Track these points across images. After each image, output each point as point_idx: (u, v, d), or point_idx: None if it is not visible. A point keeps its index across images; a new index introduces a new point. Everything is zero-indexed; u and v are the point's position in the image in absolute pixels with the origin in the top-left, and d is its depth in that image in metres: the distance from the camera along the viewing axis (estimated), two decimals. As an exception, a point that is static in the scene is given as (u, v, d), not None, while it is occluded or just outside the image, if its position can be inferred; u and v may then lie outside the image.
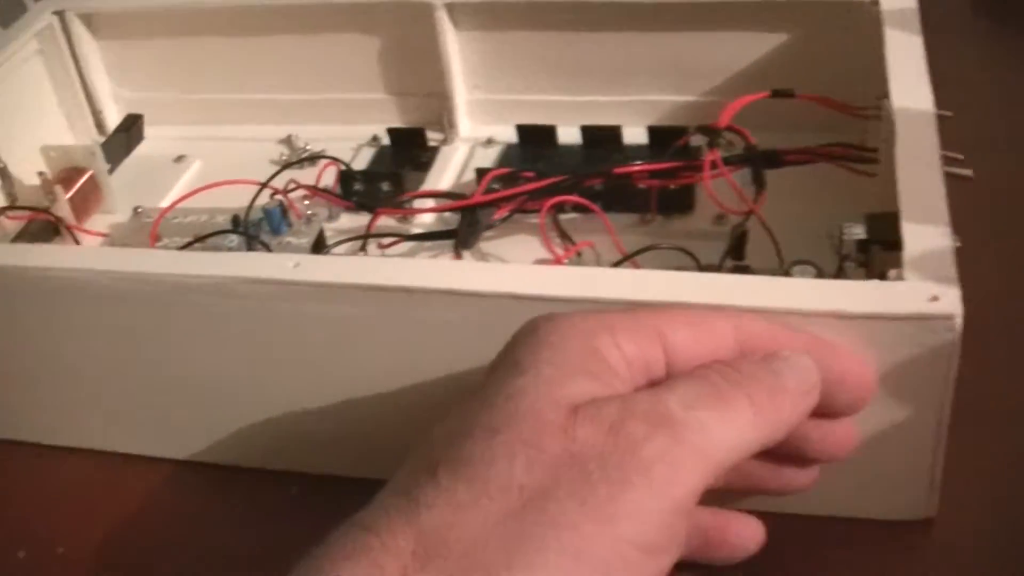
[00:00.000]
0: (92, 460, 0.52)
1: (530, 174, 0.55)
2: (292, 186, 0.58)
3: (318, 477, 0.48)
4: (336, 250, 0.56)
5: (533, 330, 0.36)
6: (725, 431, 0.34)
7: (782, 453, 0.38)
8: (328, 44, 0.66)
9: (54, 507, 0.50)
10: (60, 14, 0.67)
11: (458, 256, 0.53)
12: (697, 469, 0.33)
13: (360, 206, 0.57)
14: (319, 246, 0.56)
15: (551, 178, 0.53)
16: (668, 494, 0.32)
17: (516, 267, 0.44)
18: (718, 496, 0.38)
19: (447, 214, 0.58)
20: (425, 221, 0.59)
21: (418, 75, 0.65)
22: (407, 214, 0.56)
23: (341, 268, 0.44)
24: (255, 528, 0.47)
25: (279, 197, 0.58)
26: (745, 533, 0.40)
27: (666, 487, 0.32)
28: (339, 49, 0.66)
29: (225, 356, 0.47)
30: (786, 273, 0.48)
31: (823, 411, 0.38)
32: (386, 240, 0.55)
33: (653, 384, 0.36)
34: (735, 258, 0.51)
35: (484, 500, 0.32)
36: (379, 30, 0.65)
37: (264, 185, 0.57)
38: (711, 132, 0.53)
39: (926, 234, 0.42)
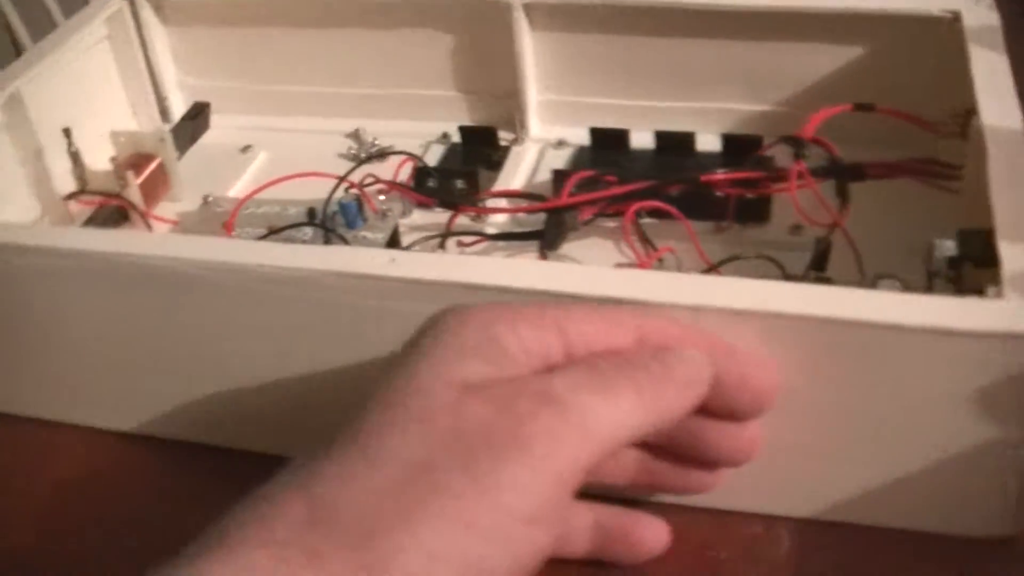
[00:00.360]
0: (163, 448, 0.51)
1: (612, 178, 0.54)
2: (370, 180, 0.58)
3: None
4: (415, 247, 0.55)
5: (438, 318, 0.38)
6: (608, 413, 0.36)
7: (688, 455, 0.40)
8: (401, 39, 0.65)
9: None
10: (130, 0, 0.67)
11: (543, 257, 0.52)
12: (579, 447, 0.35)
13: (442, 203, 0.56)
14: (394, 242, 0.56)
15: (636, 183, 0.53)
16: (548, 468, 0.34)
17: (619, 272, 0.43)
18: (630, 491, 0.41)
19: (521, 215, 0.58)
20: (498, 221, 0.58)
21: (490, 74, 0.65)
22: (489, 213, 0.56)
23: (439, 265, 0.43)
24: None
25: (354, 191, 0.57)
26: (649, 534, 0.42)
27: (546, 461, 0.34)
28: (412, 44, 0.65)
29: (306, 349, 0.46)
30: (872, 287, 0.48)
31: (726, 414, 0.39)
32: (467, 239, 0.55)
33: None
34: (817, 270, 0.51)
35: (373, 471, 0.33)
36: (454, 27, 0.64)
37: (343, 179, 0.57)
38: (796, 143, 0.53)
39: (1023, 252, 0.42)
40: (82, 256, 0.47)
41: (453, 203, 0.56)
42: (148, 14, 0.68)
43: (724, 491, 0.43)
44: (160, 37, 0.69)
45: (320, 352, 0.46)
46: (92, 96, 0.67)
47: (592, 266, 0.45)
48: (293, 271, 0.44)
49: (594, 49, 0.63)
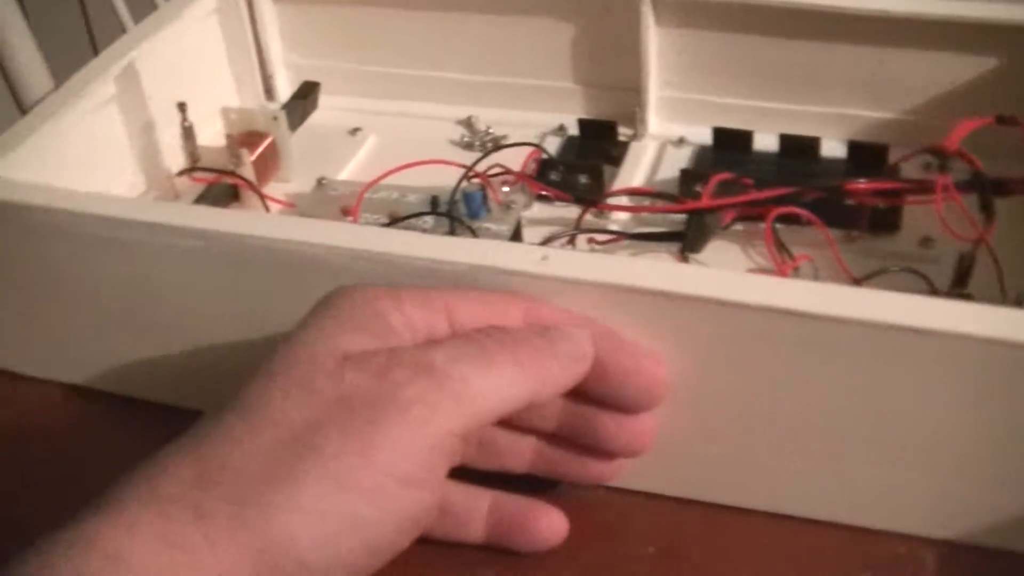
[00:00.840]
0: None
1: (748, 181, 0.53)
2: (497, 170, 0.57)
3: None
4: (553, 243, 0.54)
5: (327, 296, 0.40)
6: (485, 383, 0.37)
7: (584, 443, 0.42)
8: (520, 26, 0.64)
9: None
10: (242, -27, 0.66)
11: (684, 260, 0.51)
12: (455, 413, 0.36)
13: (578, 200, 0.55)
14: (517, 235, 0.55)
15: (773, 187, 0.51)
16: (423, 431, 0.36)
17: (789, 282, 0.42)
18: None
19: (644, 215, 0.56)
20: (620, 219, 0.57)
21: (610, 67, 0.63)
22: (632, 211, 0.54)
23: (594, 266, 0.42)
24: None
25: (478, 181, 0.56)
26: (546, 524, 0.42)
27: (421, 425, 0.36)
28: (531, 32, 0.64)
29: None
30: (1018, 304, 0.47)
31: (617, 404, 0.41)
32: (601, 237, 0.53)
33: None
34: (959, 286, 0.50)
35: (256, 433, 0.35)
36: (576, 17, 0.63)
37: (470, 168, 0.56)
38: (941, 155, 0.52)
39: None
40: (220, 238, 0.45)
41: (588, 199, 0.54)
42: (259, -11, 0.67)
43: (867, 508, 0.43)
44: (269, 13, 0.68)
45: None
46: (198, 71, 0.65)
47: (758, 275, 0.43)
48: (445, 264, 0.43)
49: (719, 47, 0.62)
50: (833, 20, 0.59)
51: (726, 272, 0.42)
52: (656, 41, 0.62)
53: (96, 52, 0.61)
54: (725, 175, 0.53)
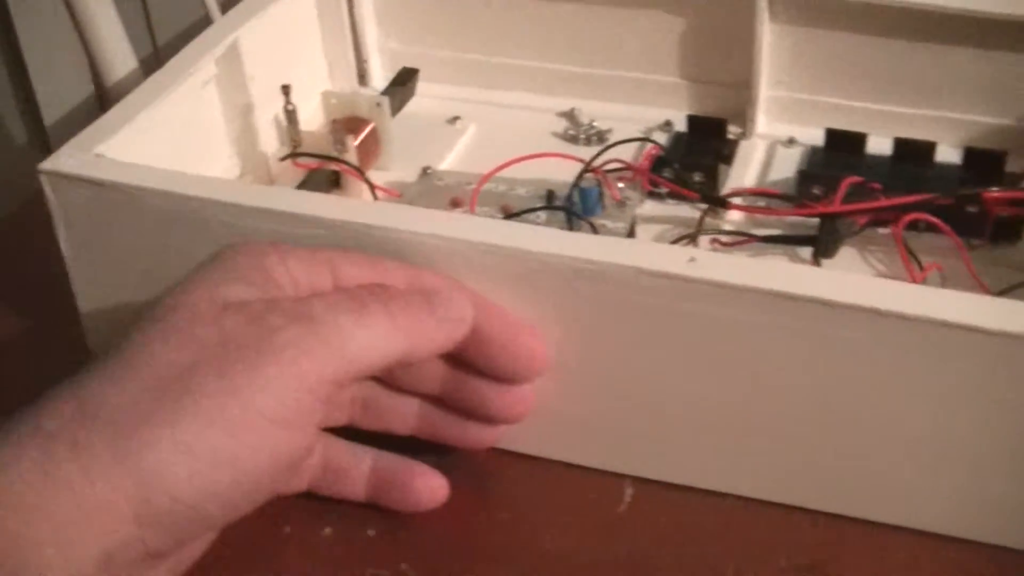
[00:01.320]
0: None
1: (877, 186, 0.52)
2: (615, 165, 0.55)
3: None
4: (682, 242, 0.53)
5: (216, 251, 0.41)
6: (359, 331, 0.39)
7: (465, 409, 0.44)
8: (628, 18, 0.63)
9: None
10: (340, -45, 0.65)
11: (817, 264, 0.50)
12: (328, 359, 0.38)
13: (706, 199, 0.54)
14: (631, 234, 0.54)
15: (908, 194, 0.50)
16: (296, 375, 0.37)
17: (973, 296, 0.40)
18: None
19: (758, 216, 0.55)
20: (734, 219, 0.56)
21: (719, 63, 0.62)
22: (759, 213, 0.53)
23: (745, 270, 0.41)
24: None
25: (593, 176, 0.55)
26: (423, 485, 0.44)
27: (294, 367, 0.37)
28: (639, 25, 0.63)
29: (587, 344, 0.44)
30: None
31: (496, 374, 0.43)
32: (725, 238, 0.52)
33: None
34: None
35: (135, 374, 0.37)
36: (687, 11, 0.62)
37: (589, 163, 0.55)
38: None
39: None
40: (348, 227, 0.44)
41: (715, 199, 0.53)
42: (357, -29, 0.66)
43: (933, 512, 0.42)
44: (367, -3, 0.67)
45: (596, 348, 0.44)
46: (294, 54, 0.64)
47: (933, 288, 0.41)
48: (588, 264, 0.41)
49: (833, 46, 0.60)
50: (956, 22, 0.57)
51: (884, 282, 0.41)
52: (769, 38, 0.60)
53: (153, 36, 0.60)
54: (855, 178, 0.51)
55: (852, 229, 0.51)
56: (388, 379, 0.44)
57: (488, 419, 0.44)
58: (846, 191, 0.51)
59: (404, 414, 0.45)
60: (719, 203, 0.53)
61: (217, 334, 0.37)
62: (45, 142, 0.89)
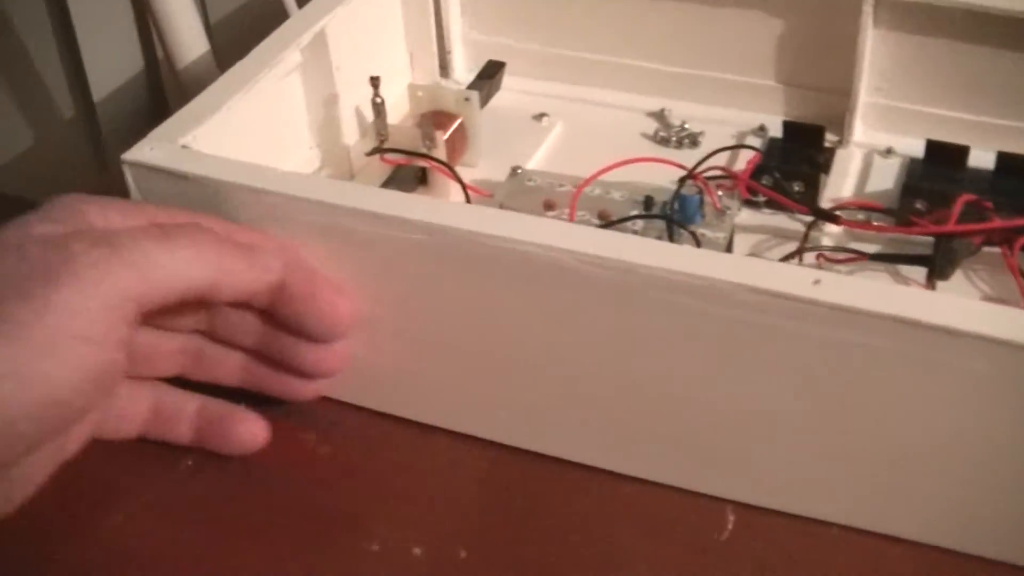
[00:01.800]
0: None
1: (989, 204, 0.50)
2: (717, 172, 0.54)
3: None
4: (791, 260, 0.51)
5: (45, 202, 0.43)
6: (164, 257, 0.40)
7: (283, 363, 0.46)
8: (724, 17, 0.61)
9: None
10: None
11: (931, 287, 0.48)
12: (130, 279, 0.39)
13: (815, 212, 0.52)
14: (730, 243, 0.52)
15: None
16: (97, 294, 0.39)
17: None
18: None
19: (855, 231, 0.53)
20: (833, 232, 0.54)
21: (818, 67, 0.60)
22: (871, 230, 0.51)
23: (876, 294, 0.39)
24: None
25: (694, 183, 0.53)
26: (245, 429, 0.46)
27: (96, 287, 0.39)
28: (735, 24, 0.61)
29: (695, 366, 0.42)
30: None
31: (304, 331, 0.45)
32: (837, 255, 0.50)
33: None
34: None
35: None
36: (787, 13, 0.60)
37: (691, 171, 0.53)
38: None
39: None
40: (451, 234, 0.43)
41: (824, 212, 0.51)
42: (443, -41, 0.64)
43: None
44: (452, -14, 0.65)
45: (706, 368, 0.42)
46: (376, 44, 0.62)
47: None
48: (696, 280, 0.40)
49: (936, 55, 0.58)
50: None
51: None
52: (870, 43, 0.58)
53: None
54: (969, 196, 0.49)
55: (970, 250, 0.49)
56: (211, 331, 0.46)
57: (303, 374, 0.46)
58: (960, 209, 0.49)
59: (230, 366, 0.47)
60: (830, 218, 0.51)
61: (20, 262, 0.39)
62: (93, 116, 0.88)
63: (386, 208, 0.44)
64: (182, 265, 0.41)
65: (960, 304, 0.39)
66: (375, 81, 0.57)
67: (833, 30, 0.59)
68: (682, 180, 0.52)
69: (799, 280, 0.39)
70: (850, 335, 0.39)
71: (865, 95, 0.60)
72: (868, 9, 0.57)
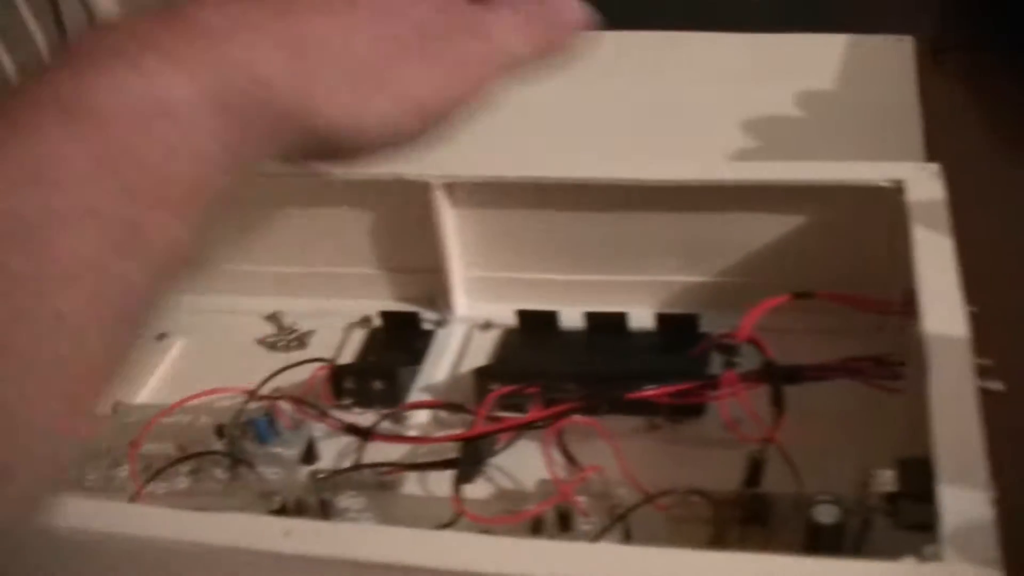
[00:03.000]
0: None
1: (534, 389, 0.51)
2: (279, 395, 0.55)
3: None
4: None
5: None
6: None
7: None
8: (321, 218, 0.63)
9: None
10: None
11: (457, 493, 0.49)
12: None
13: (349, 430, 0.53)
14: (310, 454, 0.53)
15: (559, 405, 0.50)
16: None
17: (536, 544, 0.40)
18: None
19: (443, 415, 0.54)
20: (420, 422, 0.55)
21: (414, 251, 0.62)
22: (401, 442, 0.52)
23: (337, 539, 0.40)
24: None
25: (262, 405, 0.54)
26: None
27: None
28: (332, 223, 0.62)
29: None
30: (808, 507, 0.45)
31: None
32: (384, 468, 0.51)
33: None
34: (750, 485, 0.48)
35: None
36: (374, 206, 0.62)
37: (253, 393, 0.54)
38: (728, 349, 0.50)
39: (964, 498, 0.39)
40: None
41: (362, 432, 0.52)
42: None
43: None
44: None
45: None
46: None
47: (515, 540, 0.40)
48: (166, 543, 0.41)
49: (519, 224, 0.60)
50: (631, 192, 0.58)
51: (470, 538, 0.40)
52: (453, 223, 0.60)
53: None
54: (504, 389, 0.51)
55: (494, 448, 0.50)
56: None
57: None
58: (493, 404, 0.50)
59: None
60: (363, 435, 0.52)
61: None
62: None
63: None
64: None
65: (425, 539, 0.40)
66: None
67: (419, 215, 0.60)
68: (243, 404, 0.53)
69: (269, 534, 0.40)
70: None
71: (462, 270, 0.62)
72: (440, 194, 0.59)
